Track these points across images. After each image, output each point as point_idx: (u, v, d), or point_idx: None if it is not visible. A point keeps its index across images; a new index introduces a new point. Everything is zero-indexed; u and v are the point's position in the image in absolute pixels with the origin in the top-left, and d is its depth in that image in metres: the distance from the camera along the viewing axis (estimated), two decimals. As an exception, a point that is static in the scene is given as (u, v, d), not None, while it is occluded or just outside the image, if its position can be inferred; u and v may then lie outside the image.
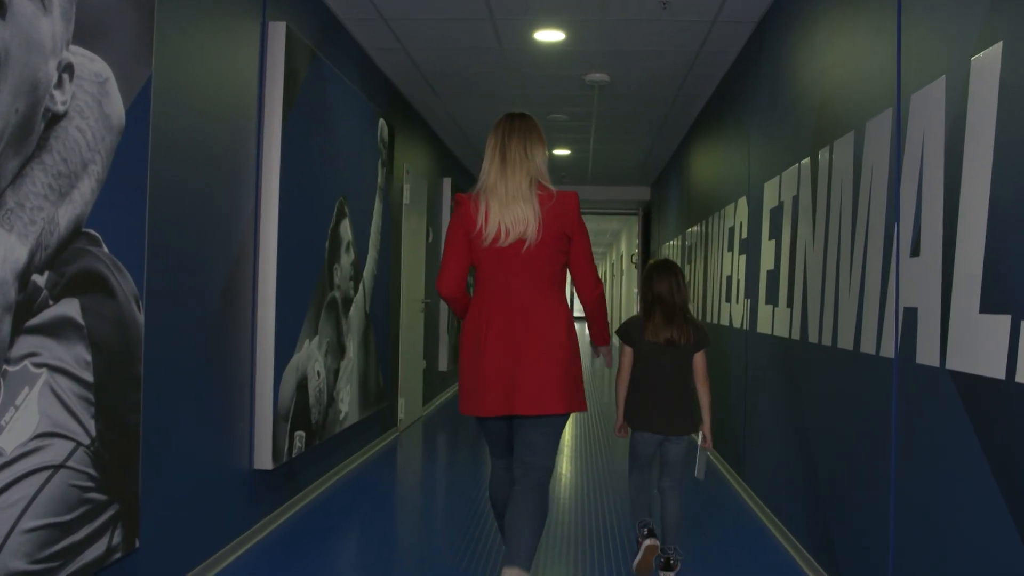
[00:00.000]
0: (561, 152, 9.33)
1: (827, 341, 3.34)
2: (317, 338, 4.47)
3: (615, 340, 13.56)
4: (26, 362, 2.16)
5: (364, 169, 5.40)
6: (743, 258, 5.09)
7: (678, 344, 3.35)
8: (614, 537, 3.98)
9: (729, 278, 5.54)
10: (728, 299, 5.56)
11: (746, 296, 4.97)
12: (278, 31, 3.87)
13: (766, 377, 4.40)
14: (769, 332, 4.33)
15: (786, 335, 3.98)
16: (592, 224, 16.99)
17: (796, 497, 3.77)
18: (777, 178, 4.27)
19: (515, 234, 2.80)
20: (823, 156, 3.49)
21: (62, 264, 2.29)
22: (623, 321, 3.54)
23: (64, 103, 2.28)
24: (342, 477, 5.10)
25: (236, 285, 3.60)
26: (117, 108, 2.54)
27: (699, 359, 3.41)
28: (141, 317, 2.71)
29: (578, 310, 35.56)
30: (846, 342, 3.11)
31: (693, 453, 3.55)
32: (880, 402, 2.78)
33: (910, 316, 2.54)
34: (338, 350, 4.89)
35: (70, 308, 2.33)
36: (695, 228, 7.29)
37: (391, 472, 5.38)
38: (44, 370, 2.23)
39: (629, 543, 3.85)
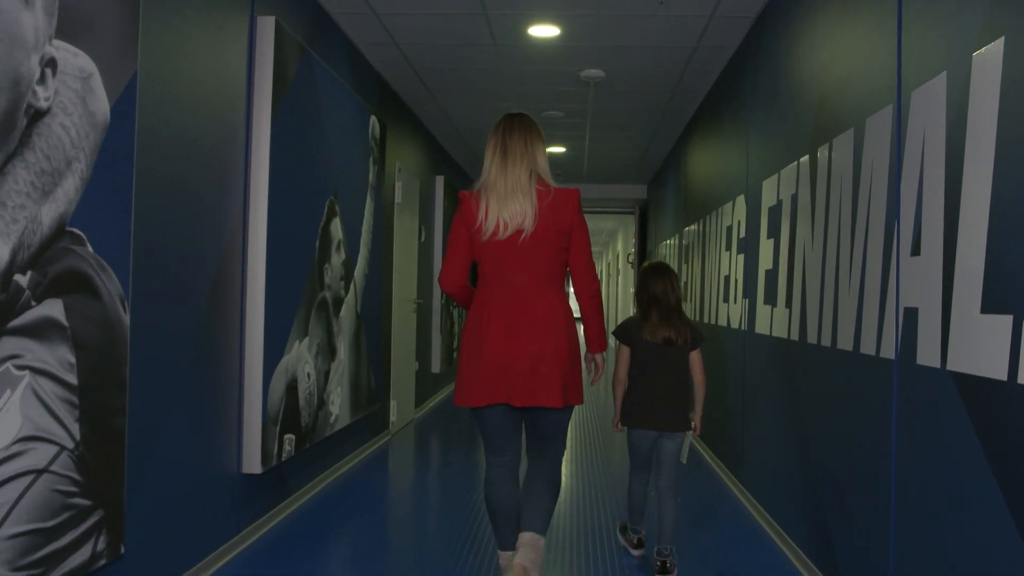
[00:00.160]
0: (556, 150, 9.33)
1: (826, 342, 3.34)
2: (307, 339, 4.46)
3: (611, 342, 13.57)
4: (8, 364, 2.14)
5: (355, 167, 5.39)
6: (741, 257, 5.09)
7: (675, 343, 3.53)
8: (609, 541, 3.98)
9: (727, 278, 5.55)
10: (726, 299, 5.57)
11: (744, 296, 4.97)
12: (267, 26, 3.86)
13: (764, 378, 4.40)
14: (767, 333, 4.34)
15: (785, 336, 3.98)
16: (588, 223, 16.95)
17: (795, 500, 3.77)
18: (776, 176, 4.27)
19: (513, 226, 2.93)
20: (822, 154, 3.49)
21: (45, 264, 2.28)
22: (620, 322, 3.69)
23: (47, 99, 2.26)
24: (333, 481, 5.09)
25: (224, 285, 3.59)
26: (102, 104, 2.53)
27: (695, 357, 3.60)
28: (127, 318, 2.70)
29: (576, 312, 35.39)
30: (846, 343, 3.12)
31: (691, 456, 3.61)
32: (880, 404, 2.78)
33: (910, 316, 2.54)
34: (328, 351, 4.88)
35: (53, 309, 2.32)
36: (692, 227, 7.29)
37: (383, 476, 5.37)
38: (26, 372, 2.21)
39: (625, 549, 3.87)
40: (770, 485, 4.26)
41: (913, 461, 2.53)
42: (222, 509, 3.62)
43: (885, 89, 2.82)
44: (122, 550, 2.71)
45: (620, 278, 19.56)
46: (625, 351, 3.60)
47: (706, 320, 6.34)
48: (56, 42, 2.30)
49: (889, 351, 2.71)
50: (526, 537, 2.95)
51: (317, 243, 4.61)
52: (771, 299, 4.30)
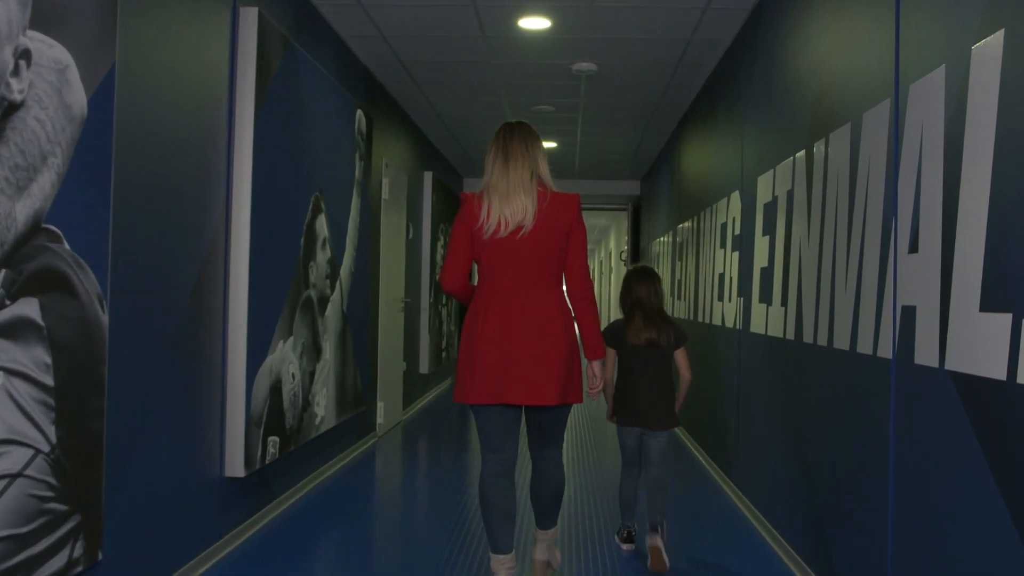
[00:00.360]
0: (547, 145, 9.33)
1: (823, 341, 3.35)
2: (292, 339, 4.44)
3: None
4: (-19, 365, 2.12)
5: (341, 162, 5.37)
6: (736, 255, 5.10)
7: (658, 345, 3.77)
8: (602, 540, 3.98)
9: (721, 276, 5.55)
10: (720, 298, 5.58)
11: (739, 294, 4.98)
12: (250, 17, 3.84)
13: (760, 378, 4.41)
14: (763, 332, 4.34)
15: (780, 335, 3.99)
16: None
17: (791, 502, 3.78)
18: (771, 172, 4.28)
19: (513, 223, 3.07)
20: (819, 149, 3.49)
21: (20, 262, 2.26)
22: (607, 326, 3.87)
23: (21, 91, 2.24)
24: (318, 485, 5.08)
25: (206, 283, 3.57)
26: (78, 97, 2.51)
27: (680, 356, 3.86)
28: (105, 317, 2.68)
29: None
30: (842, 342, 3.12)
31: (671, 444, 3.74)
32: (877, 404, 2.78)
33: (908, 315, 2.55)
34: (314, 351, 4.86)
35: (29, 308, 2.30)
36: (686, 224, 7.30)
37: (369, 479, 5.36)
38: (0, 374, 2.19)
39: (617, 547, 3.88)
40: (765, 487, 4.26)
41: (911, 462, 2.54)
42: (204, 514, 3.60)
43: (883, 83, 2.82)
44: (100, 556, 2.69)
45: (613, 276, 19.58)
46: (611, 353, 3.87)
47: (700, 319, 6.35)
48: (30, 32, 2.28)
49: (886, 350, 2.71)
50: (541, 534, 3.41)
51: (302, 240, 4.59)
52: (766, 297, 4.30)
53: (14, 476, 2.26)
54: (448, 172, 10.72)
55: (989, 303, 2.08)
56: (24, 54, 2.25)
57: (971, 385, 2.17)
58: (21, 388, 2.28)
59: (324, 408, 5.07)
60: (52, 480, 2.42)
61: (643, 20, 5.10)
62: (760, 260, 4.48)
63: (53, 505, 2.43)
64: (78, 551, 2.56)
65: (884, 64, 2.81)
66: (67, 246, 2.47)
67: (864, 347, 2.90)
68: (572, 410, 3.21)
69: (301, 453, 4.83)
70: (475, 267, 3.35)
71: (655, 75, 6.35)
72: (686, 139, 7.50)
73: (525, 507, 4.47)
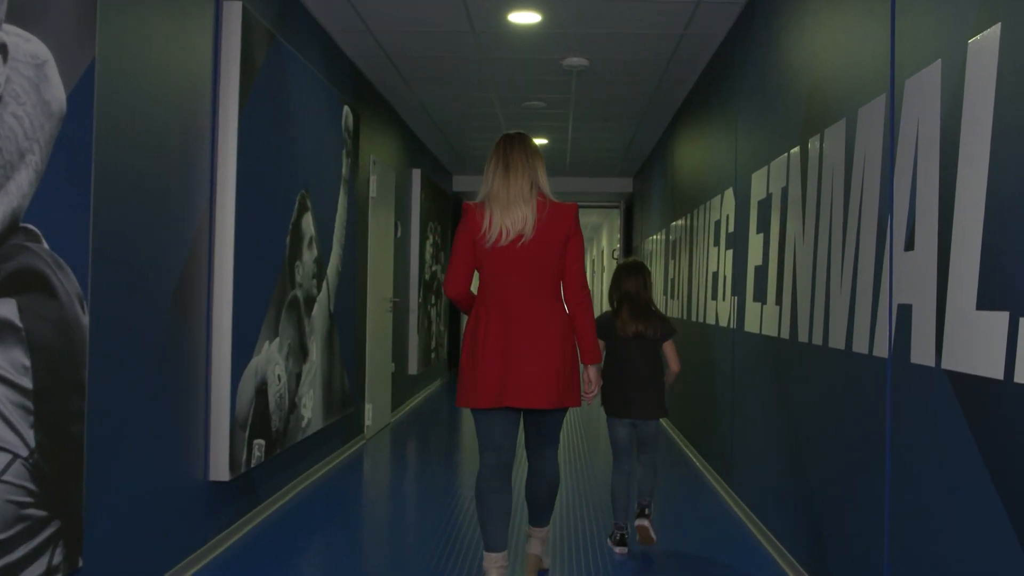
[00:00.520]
0: (538, 142, 9.31)
1: (818, 340, 3.35)
2: (277, 340, 4.43)
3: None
4: (-43, 368, 2.11)
5: (327, 160, 5.36)
6: (730, 253, 5.11)
7: (646, 336, 3.93)
8: (594, 542, 3.98)
9: (715, 274, 5.56)
10: (714, 296, 5.58)
11: (733, 293, 4.98)
12: (233, 12, 3.82)
13: (754, 378, 4.42)
14: (757, 331, 4.35)
15: (775, 334, 3.99)
16: (571, 218, 16.97)
17: (786, 504, 3.78)
18: (765, 168, 4.28)
19: (514, 232, 3.22)
20: (813, 145, 3.50)
21: (-3, 261, 2.24)
22: (595, 318, 3.85)
23: (-2, 87, 2.23)
24: (305, 488, 5.06)
25: (189, 284, 3.56)
26: (57, 93, 2.50)
27: (668, 348, 4.02)
28: (86, 318, 2.66)
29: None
30: (837, 341, 3.13)
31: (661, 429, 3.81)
32: (873, 403, 2.79)
33: (904, 313, 2.55)
34: (300, 353, 4.85)
35: (6, 309, 2.28)
36: (679, 222, 7.31)
37: (357, 483, 5.35)
38: (-23, 376, 2.18)
39: (610, 550, 3.88)
40: (760, 489, 4.27)
41: (908, 462, 2.54)
42: (188, 518, 3.59)
43: (878, 78, 2.82)
44: (80, 562, 2.67)
45: (605, 275, 19.59)
46: (600, 344, 3.91)
47: (694, 318, 6.36)
48: (7, 27, 2.26)
49: (882, 349, 2.72)
50: (534, 531, 3.55)
51: (287, 239, 4.58)
52: (761, 296, 4.31)
53: (-8, 481, 2.24)
54: (437, 169, 10.71)
55: (986, 301, 2.09)
56: (0, 49, 2.23)
57: (968, 384, 2.17)
58: (-1, 391, 2.26)
59: (311, 410, 5.06)
60: (31, 485, 2.41)
61: (635, 14, 5.10)
62: (754, 258, 4.49)
63: (32, 511, 2.41)
64: (58, 557, 2.54)
65: (879, 59, 2.82)
66: (46, 245, 2.46)
67: (860, 346, 2.91)
68: (575, 402, 3.35)
69: (287, 456, 4.82)
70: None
71: (647, 70, 6.35)
72: (679, 135, 7.51)
73: (518, 509, 4.47)
